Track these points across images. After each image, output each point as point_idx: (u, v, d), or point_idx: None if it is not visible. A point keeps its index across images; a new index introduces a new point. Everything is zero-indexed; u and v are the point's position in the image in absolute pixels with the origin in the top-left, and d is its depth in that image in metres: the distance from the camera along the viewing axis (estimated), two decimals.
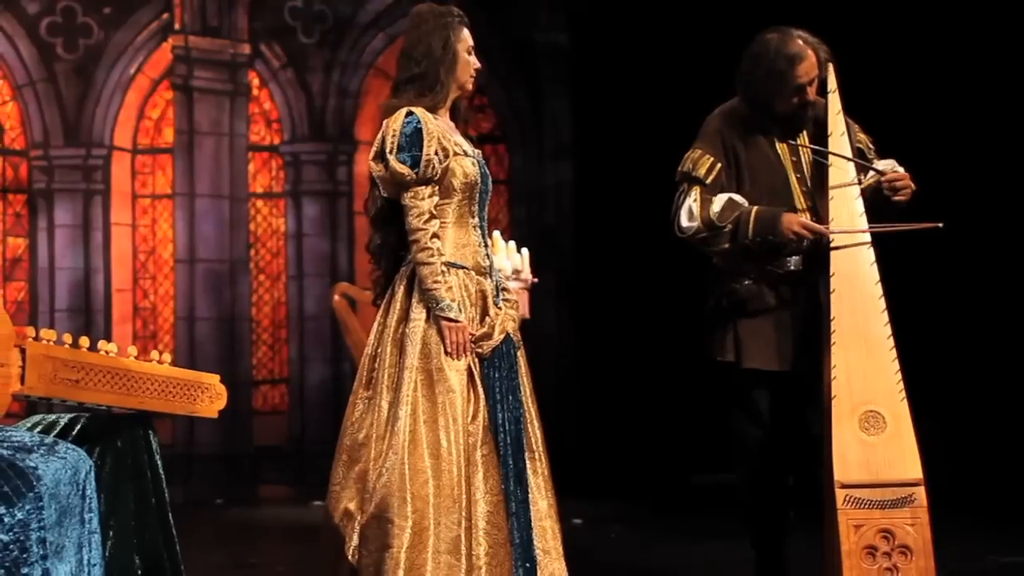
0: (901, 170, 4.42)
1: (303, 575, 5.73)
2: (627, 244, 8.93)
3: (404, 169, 3.81)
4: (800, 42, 4.29)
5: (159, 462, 3.78)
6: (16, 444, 3.30)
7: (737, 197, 4.33)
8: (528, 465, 3.88)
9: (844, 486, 3.98)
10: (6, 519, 3.11)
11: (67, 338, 3.54)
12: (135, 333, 9.98)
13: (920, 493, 3.99)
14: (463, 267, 3.88)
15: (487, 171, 4.01)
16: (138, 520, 3.73)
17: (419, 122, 3.83)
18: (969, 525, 6.36)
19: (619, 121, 9.32)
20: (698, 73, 5.34)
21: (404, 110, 3.85)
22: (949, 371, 7.75)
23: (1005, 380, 8.00)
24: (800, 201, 4.36)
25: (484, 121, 10.32)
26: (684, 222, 4.35)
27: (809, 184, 4.38)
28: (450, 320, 3.78)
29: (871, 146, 4.50)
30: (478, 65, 4.00)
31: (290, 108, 10.30)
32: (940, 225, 4.21)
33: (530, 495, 3.86)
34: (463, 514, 3.69)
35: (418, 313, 3.82)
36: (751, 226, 4.26)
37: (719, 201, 4.31)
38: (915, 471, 4.00)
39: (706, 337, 4.46)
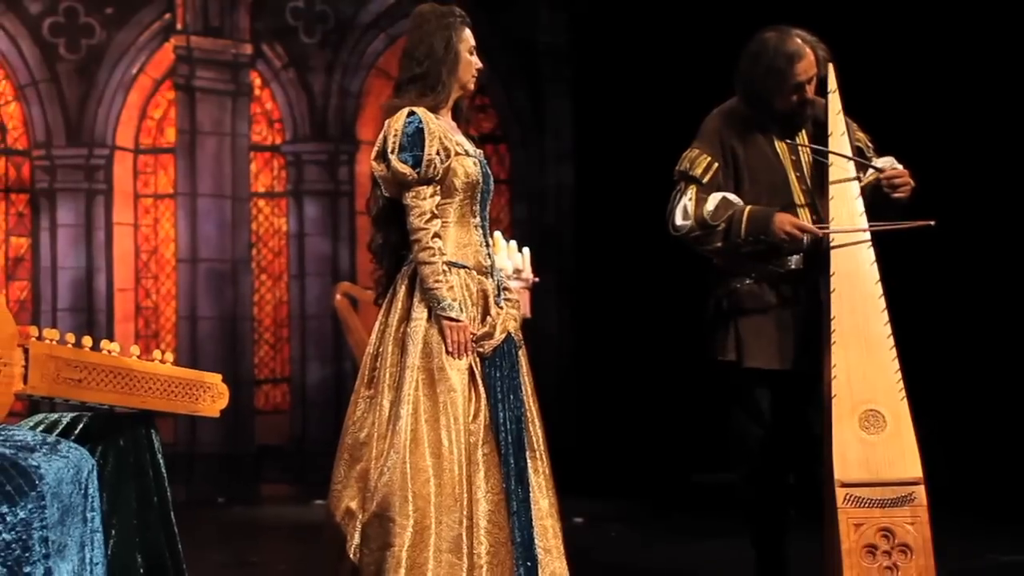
0: (899, 166, 4.43)
1: (305, 574, 5.74)
2: (628, 244, 8.94)
3: (406, 169, 3.82)
4: (799, 40, 4.30)
5: (161, 461, 3.79)
6: (18, 443, 3.31)
7: (731, 196, 4.33)
8: (529, 464, 3.89)
9: (844, 485, 3.99)
10: (8, 518, 3.11)
11: (70, 338, 3.54)
12: (137, 332, 9.99)
13: (920, 492, 3.99)
14: (464, 267, 3.89)
15: (489, 171, 4.02)
16: (140, 519, 3.74)
17: (421, 122, 3.83)
18: (969, 524, 6.36)
19: (620, 121, 9.33)
20: (699, 73, 5.35)
21: (406, 110, 3.86)
22: (949, 371, 7.75)
23: (1005, 380, 8.00)
24: (800, 199, 4.37)
25: (485, 121, 10.33)
26: (679, 220, 4.36)
27: (809, 183, 4.39)
28: (451, 319, 3.79)
29: (870, 145, 4.50)
30: (480, 65, 4.00)
31: (292, 108, 10.31)
32: (932, 223, 4.21)
33: (531, 494, 3.87)
34: (464, 513, 3.69)
35: (420, 312, 3.82)
36: (744, 225, 4.27)
37: (713, 200, 4.32)
38: (915, 470, 4.01)
39: (707, 336, 4.47)
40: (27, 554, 3.13)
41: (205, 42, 10.02)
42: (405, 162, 3.82)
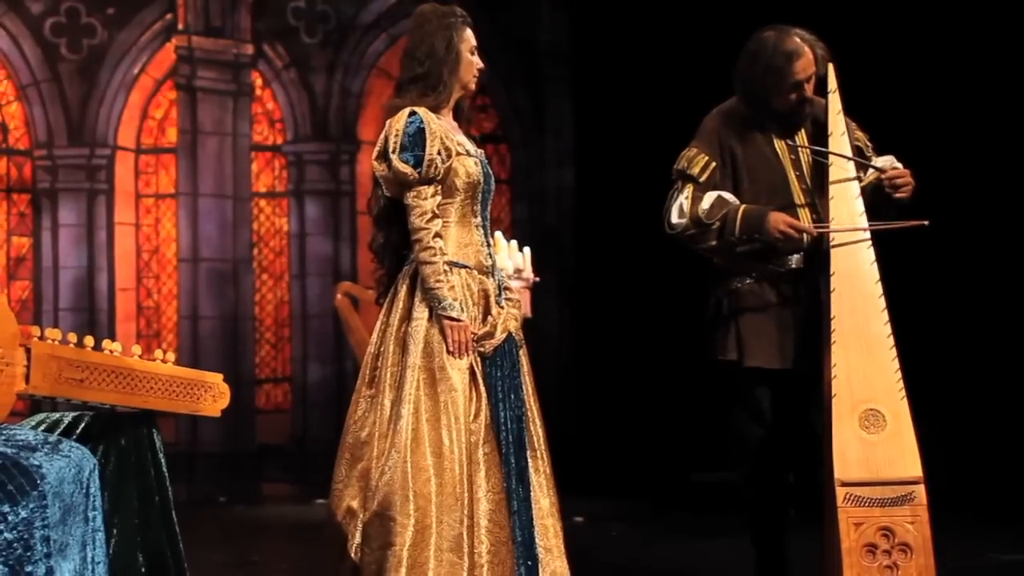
0: (899, 165, 4.44)
1: (306, 573, 5.74)
2: (628, 243, 8.94)
3: (407, 169, 3.82)
4: (797, 39, 4.30)
5: (162, 460, 3.79)
6: (20, 443, 3.31)
7: (727, 195, 4.34)
8: (530, 463, 3.89)
9: (844, 484, 4.00)
10: (10, 517, 3.12)
11: (72, 337, 3.55)
12: (138, 332, 10.00)
13: (920, 491, 4.00)
14: (465, 266, 3.89)
15: (490, 171, 4.02)
16: (142, 518, 3.74)
17: (422, 122, 3.84)
18: (969, 523, 6.36)
19: (620, 121, 9.33)
20: (700, 72, 5.36)
21: (407, 110, 3.86)
22: (949, 371, 7.75)
23: (1005, 379, 8.00)
24: (799, 199, 4.37)
25: (486, 121, 10.34)
26: (674, 219, 4.37)
27: (808, 182, 4.39)
28: (452, 319, 3.79)
29: (869, 144, 4.51)
30: (481, 65, 4.00)
31: (293, 108, 10.31)
32: (926, 223, 4.21)
33: (532, 493, 3.87)
34: (465, 512, 3.70)
35: (421, 312, 3.83)
36: (738, 224, 4.27)
37: (708, 198, 4.33)
38: (915, 469, 4.01)
39: (708, 336, 4.47)
40: (29, 553, 3.14)
41: (206, 42, 10.03)
42: (406, 162, 3.82)
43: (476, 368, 3.83)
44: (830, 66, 4.34)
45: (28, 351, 3.42)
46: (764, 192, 4.36)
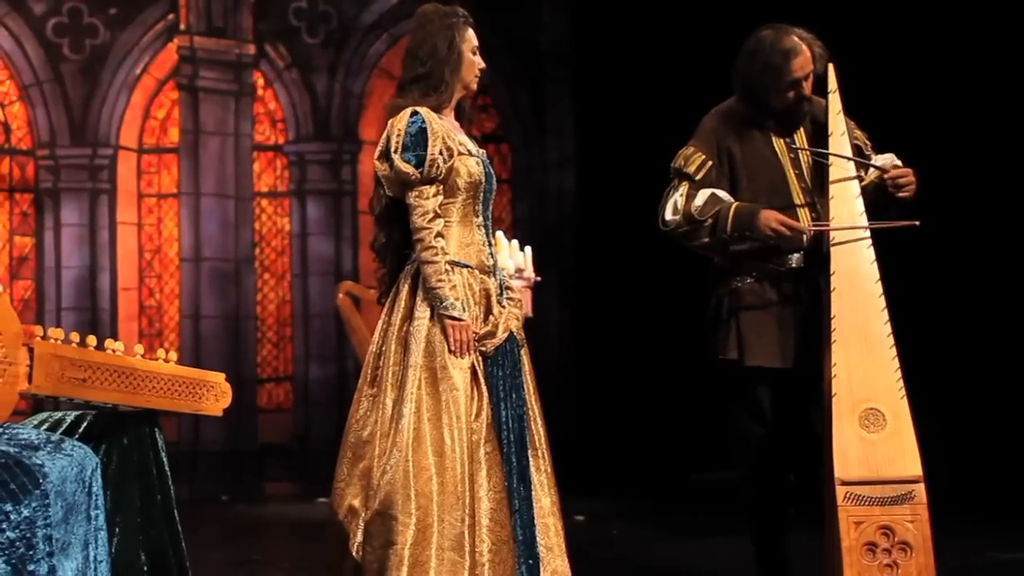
0: (899, 163, 4.44)
1: (308, 571, 5.75)
2: (628, 243, 8.95)
3: (409, 168, 3.82)
4: (795, 37, 4.30)
5: (164, 459, 3.80)
6: (23, 442, 3.32)
7: (720, 192, 4.34)
8: (531, 463, 3.89)
9: (844, 483, 3.99)
10: (13, 516, 3.13)
11: (74, 337, 3.56)
12: (141, 331, 10.02)
13: (920, 490, 3.99)
14: (467, 266, 3.89)
15: (491, 170, 4.02)
16: (144, 517, 3.75)
17: (424, 122, 3.84)
18: (969, 522, 6.36)
19: (621, 121, 9.33)
20: (700, 72, 5.36)
21: (409, 110, 3.86)
22: (949, 370, 7.75)
23: (1005, 379, 8.00)
24: (799, 198, 4.37)
25: (487, 120, 10.35)
26: (668, 216, 4.37)
27: (808, 181, 4.39)
28: (454, 319, 3.79)
29: (868, 142, 4.51)
30: (483, 65, 4.00)
31: (295, 108, 10.33)
32: (917, 223, 4.22)
33: (533, 492, 3.87)
34: (466, 511, 3.70)
35: (422, 311, 3.83)
36: (730, 221, 4.27)
37: (702, 196, 4.33)
38: (915, 468, 4.01)
39: (708, 335, 4.46)
40: (31, 552, 3.14)
41: (208, 42, 10.04)
42: (408, 162, 3.83)
43: (478, 367, 3.83)
44: (830, 66, 4.35)
45: (31, 351, 3.43)
46: (763, 191, 4.36)
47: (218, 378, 3.91)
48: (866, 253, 4.21)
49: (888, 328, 4.14)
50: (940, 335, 7.77)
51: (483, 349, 3.84)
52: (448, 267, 3.83)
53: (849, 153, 4.31)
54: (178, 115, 10.10)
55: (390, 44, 10.26)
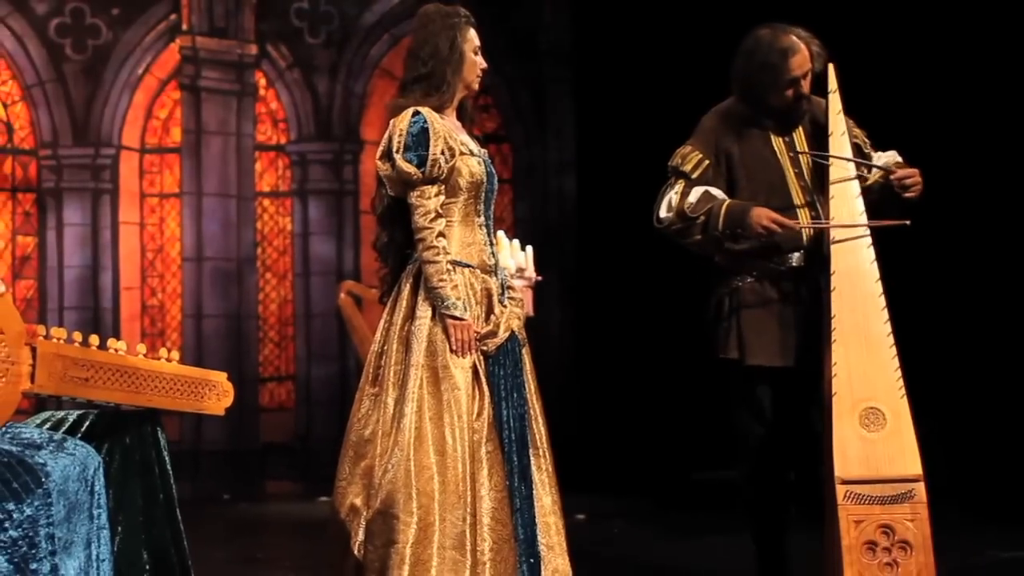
0: (900, 159, 4.45)
1: (309, 570, 5.75)
2: (630, 243, 8.95)
3: (410, 168, 3.83)
4: (793, 36, 4.32)
5: (167, 458, 3.80)
6: (25, 441, 3.33)
7: (714, 190, 4.34)
8: (532, 461, 3.90)
9: (844, 482, 4.00)
10: (15, 515, 3.14)
11: (77, 336, 3.56)
12: (143, 330, 10.03)
13: (920, 489, 4.00)
14: (469, 265, 3.90)
15: (493, 170, 4.02)
16: (146, 516, 3.74)
17: (426, 122, 3.85)
18: (969, 521, 6.36)
19: (622, 120, 9.34)
20: (701, 72, 5.37)
21: (411, 110, 3.87)
22: (949, 370, 7.75)
23: (1005, 379, 8.00)
24: (798, 197, 4.38)
25: (488, 120, 10.36)
26: (662, 213, 4.38)
27: (807, 180, 4.40)
28: (455, 318, 3.80)
29: (866, 140, 4.52)
30: (484, 65, 4.01)
31: (296, 108, 10.34)
32: (908, 222, 4.23)
33: (534, 491, 3.88)
34: (468, 510, 3.71)
35: (424, 311, 3.84)
36: (721, 218, 4.28)
37: (695, 193, 4.34)
38: (915, 467, 4.02)
39: (709, 334, 4.47)
40: (34, 551, 3.15)
41: (210, 42, 10.05)
42: (410, 161, 3.83)
43: (479, 367, 3.83)
44: (830, 66, 4.36)
45: (33, 350, 3.43)
46: (763, 191, 4.36)
47: (220, 377, 3.91)
48: (866, 253, 4.22)
49: (888, 327, 4.15)
50: (940, 335, 7.77)
51: (484, 348, 3.85)
52: (449, 267, 3.83)
53: (849, 153, 4.32)
54: (180, 115, 10.11)
55: (391, 44, 10.27)
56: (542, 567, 3.86)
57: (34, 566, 3.15)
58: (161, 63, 10.09)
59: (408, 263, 3.94)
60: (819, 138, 4.38)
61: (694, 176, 4.37)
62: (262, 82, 10.31)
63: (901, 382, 4.10)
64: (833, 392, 4.08)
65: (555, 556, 3.89)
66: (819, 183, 4.37)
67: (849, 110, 4.37)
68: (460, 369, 3.80)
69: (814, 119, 4.42)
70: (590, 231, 9.91)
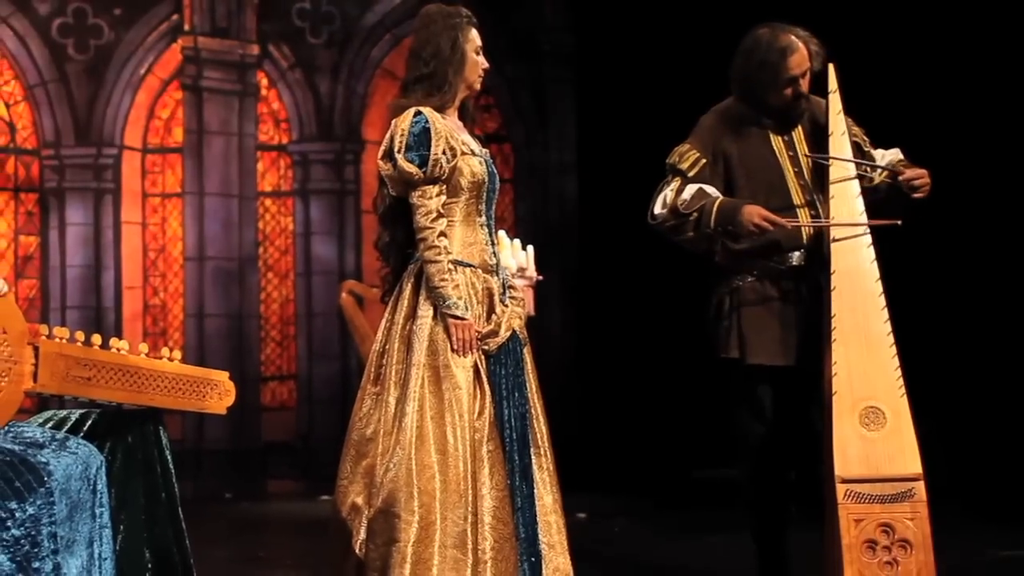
0: (902, 157, 4.46)
1: (311, 569, 5.76)
2: (630, 242, 8.96)
3: (412, 168, 3.83)
4: (791, 36, 4.32)
5: (169, 457, 3.80)
6: (28, 440, 3.34)
7: (708, 188, 4.35)
8: (533, 461, 3.90)
9: (845, 481, 4.01)
10: (18, 514, 3.15)
11: (79, 336, 3.56)
12: (145, 330, 10.04)
13: (920, 488, 4.01)
14: (470, 265, 3.90)
15: (495, 170, 4.03)
16: (148, 514, 3.74)
17: (427, 122, 3.85)
18: (969, 520, 6.37)
19: (623, 120, 9.34)
20: (702, 71, 5.37)
21: (412, 110, 3.87)
22: (949, 369, 7.76)
23: (1005, 378, 8.00)
24: (798, 196, 4.38)
25: (490, 120, 10.37)
26: (657, 209, 4.39)
27: (807, 179, 4.41)
28: (457, 318, 3.80)
29: (865, 139, 4.53)
30: (486, 65, 4.01)
31: (298, 108, 10.35)
32: (899, 222, 4.24)
33: (535, 490, 3.88)
34: (469, 509, 3.71)
35: (425, 310, 3.84)
36: (713, 215, 4.29)
37: (689, 190, 4.35)
38: (915, 466, 4.03)
39: (710, 334, 4.48)
40: (36, 549, 3.16)
41: (212, 43, 10.07)
42: (411, 161, 3.83)
43: (480, 366, 3.84)
44: (830, 66, 4.37)
45: (36, 349, 3.44)
46: (762, 190, 4.37)
47: (222, 376, 3.92)
48: (866, 252, 4.22)
49: (888, 327, 4.15)
50: (940, 334, 7.77)
51: (486, 348, 3.85)
52: (451, 266, 3.83)
53: (850, 152, 4.33)
54: (182, 115, 10.12)
55: (393, 45, 10.29)
56: (543, 566, 3.86)
57: (36, 565, 3.16)
58: (163, 63, 10.11)
59: (410, 263, 3.94)
60: (818, 137, 4.39)
61: (691, 174, 4.37)
62: (264, 82, 10.32)
63: (901, 381, 4.10)
64: (833, 391, 4.09)
65: (556, 555, 3.89)
66: (819, 182, 4.38)
67: (849, 110, 4.38)
68: (461, 368, 3.80)
69: (813, 118, 4.43)
70: (591, 231, 9.92)
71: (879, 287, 4.19)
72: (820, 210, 4.35)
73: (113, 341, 3.67)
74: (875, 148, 4.53)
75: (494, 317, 3.89)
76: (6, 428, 3.38)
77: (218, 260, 10.04)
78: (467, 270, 3.89)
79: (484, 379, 3.84)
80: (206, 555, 4.72)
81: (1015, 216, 8.09)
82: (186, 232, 10.06)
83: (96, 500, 3.38)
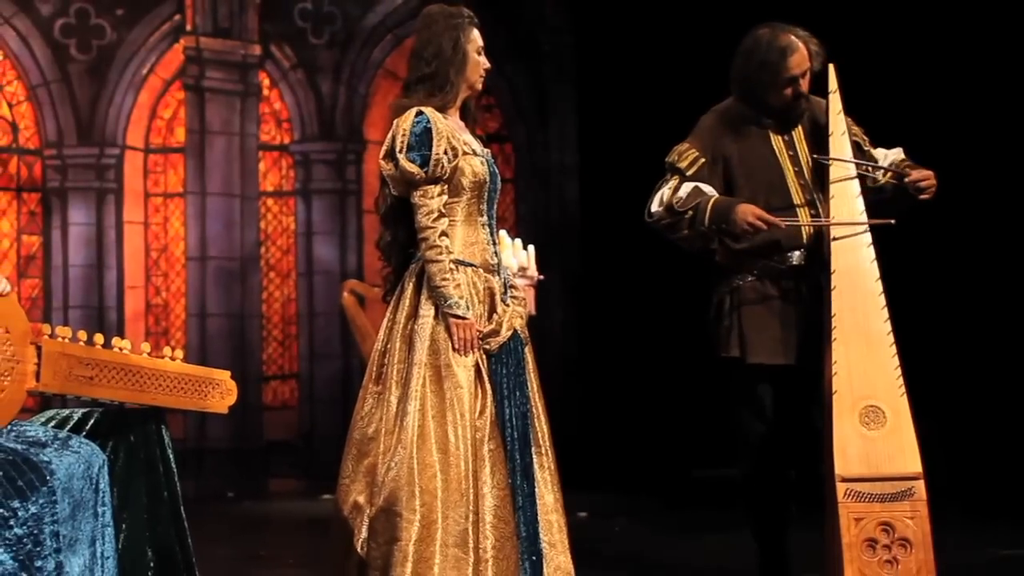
0: (904, 157, 4.47)
1: (313, 567, 5.76)
2: (631, 242, 8.96)
3: (414, 168, 3.83)
4: (791, 36, 4.33)
5: (171, 456, 3.81)
6: (30, 439, 3.35)
7: (704, 186, 4.36)
8: (535, 460, 3.90)
9: (845, 480, 4.02)
10: (20, 513, 3.15)
11: (82, 335, 3.57)
12: (147, 329, 10.05)
13: (919, 487, 4.02)
14: (472, 265, 3.90)
15: (496, 170, 4.03)
16: (150, 513, 3.76)
17: (429, 122, 3.85)
18: (969, 519, 6.37)
19: (625, 120, 9.34)
20: (703, 71, 5.38)
21: (414, 110, 3.87)
22: (949, 368, 7.76)
23: (1004, 377, 8.00)
24: (798, 196, 4.39)
25: (491, 120, 10.38)
26: (653, 207, 4.40)
27: (807, 179, 4.42)
28: (458, 317, 3.81)
29: (865, 138, 4.54)
30: (488, 65, 4.01)
31: (300, 108, 10.36)
32: (892, 222, 4.25)
33: (536, 489, 3.88)
34: (470, 508, 3.71)
35: (427, 310, 3.85)
36: (708, 214, 4.29)
37: (685, 188, 4.36)
38: (915, 465, 4.04)
39: (711, 333, 4.49)
40: (39, 548, 3.17)
41: (214, 43, 10.07)
42: (413, 161, 3.84)
43: (482, 365, 3.84)
44: (831, 66, 4.38)
45: (39, 349, 3.44)
46: (762, 190, 4.37)
47: (224, 376, 3.93)
48: (866, 252, 4.23)
49: (888, 326, 4.16)
50: (940, 333, 7.77)
51: (487, 347, 3.85)
52: (452, 266, 3.84)
53: (850, 152, 4.34)
54: (184, 115, 10.13)
55: (394, 45, 10.29)
56: (544, 564, 3.86)
57: (39, 563, 3.17)
58: (165, 63, 10.11)
59: (411, 262, 3.95)
60: (818, 137, 4.40)
61: (689, 173, 4.38)
62: (266, 82, 10.33)
63: (901, 380, 4.11)
64: (833, 390, 4.10)
65: (557, 554, 3.90)
66: (819, 182, 4.39)
67: (849, 110, 4.38)
68: (463, 368, 3.81)
69: (813, 118, 4.44)
70: (592, 230, 9.92)
71: (879, 286, 4.20)
72: (820, 209, 4.36)
73: (115, 340, 3.68)
74: (875, 148, 4.54)
75: (495, 316, 3.90)
76: (9, 427, 3.39)
77: (220, 260, 10.05)
78: (468, 270, 3.89)
79: (485, 378, 3.84)
80: (208, 554, 4.72)
81: (1015, 216, 8.09)
82: (188, 232, 10.06)
83: (98, 499, 3.38)
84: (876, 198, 4.40)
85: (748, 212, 4.25)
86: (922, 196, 4.37)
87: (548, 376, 4.18)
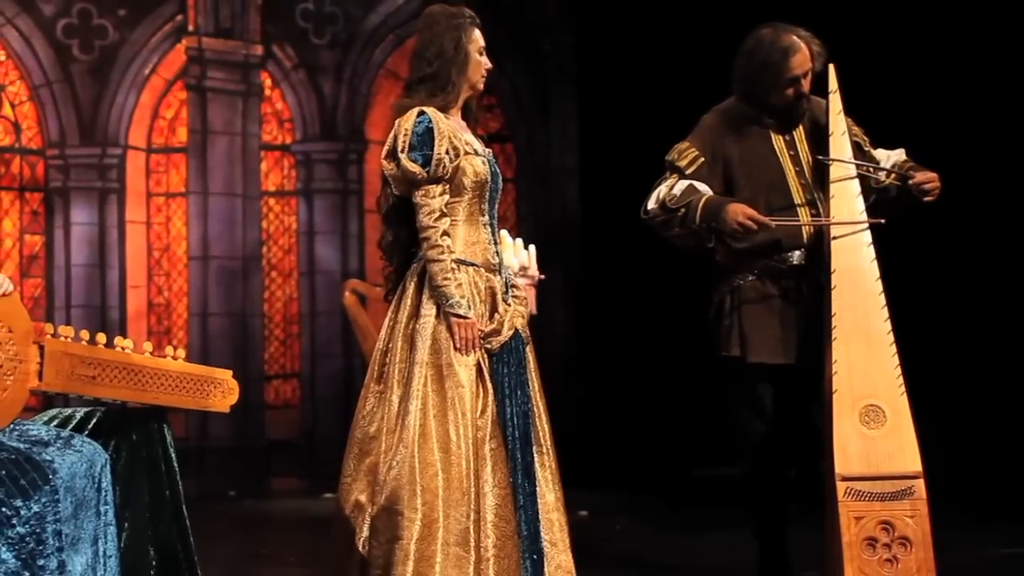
0: (906, 158, 4.48)
1: (314, 566, 5.76)
2: (632, 241, 8.96)
3: (415, 168, 3.84)
4: (793, 36, 4.34)
5: (173, 455, 3.81)
6: (33, 438, 3.35)
7: (699, 185, 4.36)
8: (536, 459, 3.90)
9: (845, 479, 4.03)
10: (23, 511, 3.16)
11: (84, 335, 3.57)
12: (149, 329, 10.06)
13: (919, 486, 4.03)
14: (473, 264, 3.91)
15: (497, 170, 4.03)
16: (153, 512, 3.76)
17: (430, 122, 3.85)
18: (968, 518, 6.36)
19: (626, 120, 9.34)
20: (704, 72, 5.39)
21: (416, 110, 3.88)
22: (949, 367, 7.76)
23: (1004, 377, 8.00)
24: (798, 196, 4.39)
25: (492, 120, 10.38)
26: (650, 204, 4.41)
27: (808, 178, 4.42)
28: (460, 316, 3.81)
29: (865, 138, 4.55)
30: (489, 65, 4.01)
31: (302, 108, 10.36)
32: (883, 221, 4.26)
33: (538, 488, 3.89)
34: (472, 507, 3.72)
35: (428, 309, 3.85)
36: (699, 212, 4.30)
37: (680, 186, 4.37)
38: (914, 464, 4.05)
39: (711, 332, 4.50)
40: (41, 547, 3.17)
41: (216, 43, 10.08)
42: (415, 161, 3.84)
43: (483, 365, 3.84)
44: (831, 66, 4.38)
45: (41, 348, 3.44)
46: (763, 190, 4.38)
47: (225, 375, 3.93)
48: (866, 251, 4.24)
49: (888, 325, 4.17)
50: (940, 333, 7.78)
51: (488, 346, 3.86)
52: (454, 265, 3.84)
53: (850, 152, 4.34)
54: (186, 115, 10.13)
55: (396, 45, 10.30)
56: (545, 563, 3.86)
57: (41, 562, 3.17)
58: (167, 63, 10.12)
59: (413, 262, 3.95)
60: (818, 137, 4.41)
61: (688, 172, 4.39)
62: (268, 82, 10.33)
63: (901, 379, 4.12)
64: (833, 389, 4.11)
65: (558, 552, 3.90)
66: (819, 182, 4.40)
67: (849, 110, 4.39)
68: (464, 367, 3.81)
69: (814, 118, 4.45)
70: (593, 230, 9.93)
71: (879, 286, 4.20)
72: (821, 209, 4.37)
73: (117, 340, 3.68)
74: (875, 148, 4.55)
75: (497, 316, 3.90)
76: (11, 426, 3.39)
77: (222, 259, 10.05)
78: (470, 269, 3.90)
79: (487, 377, 3.84)
80: (210, 552, 4.74)
81: (1015, 216, 8.09)
82: (190, 231, 10.07)
83: (101, 498, 3.39)
84: (882, 198, 4.41)
85: (738, 212, 4.25)
86: (926, 198, 4.38)
87: (549, 375, 4.19)
